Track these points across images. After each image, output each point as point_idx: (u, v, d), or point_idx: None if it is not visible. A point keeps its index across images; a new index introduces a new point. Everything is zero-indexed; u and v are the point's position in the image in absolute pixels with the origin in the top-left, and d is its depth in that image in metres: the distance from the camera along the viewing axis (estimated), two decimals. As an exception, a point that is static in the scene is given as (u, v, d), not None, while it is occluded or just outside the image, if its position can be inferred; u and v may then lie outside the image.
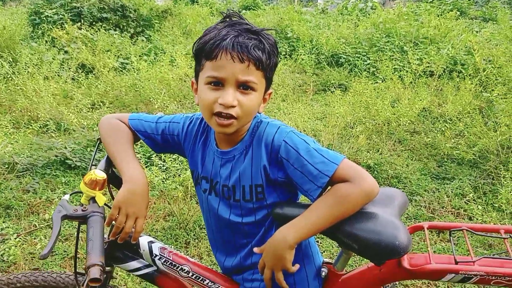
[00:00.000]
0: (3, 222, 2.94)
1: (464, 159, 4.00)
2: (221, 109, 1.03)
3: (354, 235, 1.02)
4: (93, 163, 1.22)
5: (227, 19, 1.08)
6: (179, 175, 3.18)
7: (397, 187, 3.61)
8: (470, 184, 3.62)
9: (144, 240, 1.26)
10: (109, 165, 1.22)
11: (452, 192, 3.54)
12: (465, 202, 3.35)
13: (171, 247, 1.28)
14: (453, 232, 1.18)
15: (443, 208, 3.33)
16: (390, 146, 4.46)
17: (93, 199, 1.09)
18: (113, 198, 1.20)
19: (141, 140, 1.32)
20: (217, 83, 1.03)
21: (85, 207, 1.08)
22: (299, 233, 1.03)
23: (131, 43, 8.34)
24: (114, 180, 1.25)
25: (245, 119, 1.08)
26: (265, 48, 1.04)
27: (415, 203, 3.40)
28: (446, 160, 4.13)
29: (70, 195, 1.16)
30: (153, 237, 1.30)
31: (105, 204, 1.13)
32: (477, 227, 1.19)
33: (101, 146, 1.31)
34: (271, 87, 1.17)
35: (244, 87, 1.03)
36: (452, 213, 3.26)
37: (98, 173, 1.09)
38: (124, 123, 1.29)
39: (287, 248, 1.03)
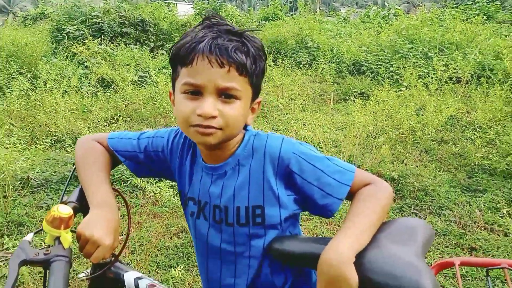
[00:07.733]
0: (15, 239, 2.88)
1: (497, 170, 3.74)
2: (200, 121, 0.89)
3: (368, 280, 0.80)
4: (65, 194, 1.05)
5: (206, 21, 0.95)
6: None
7: (424, 201, 3.39)
8: (504, 197, 3.36)
9: (130, 277, 1.10)
10: (83, 195, 1.06)
11: (484, 205, 3.29)
12: (499, 217, 3.10)
13: (161, 283, 1.11)
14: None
15: (475, 223, 3.08)
16: (416, 156, 4.23)
17: (58, 240, 0.92)
18: None
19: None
20: (195, 92, 0.90)
21: (47, 250, 0.89)
22: (352, 240, 0.82)
23: (151, 57, 8.37)
24: (88, 211, 1.05)
25: (230, 131, 0.93)
26: (249, 51, 0.91)
27: (445, 218, 3.16)
28: (477, 171, 3.87)
29: (34, 234, 0.97)
30: (141, 273, 1.13)
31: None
32: None
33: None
34: (260, 95, 1.02)
35: (226, 95, 0.90)
36: (485, 229, 3.01)
37: (62, 209, 0.92)
38: (102, 145, 1.16)
39: (345, 262, 0.79)
